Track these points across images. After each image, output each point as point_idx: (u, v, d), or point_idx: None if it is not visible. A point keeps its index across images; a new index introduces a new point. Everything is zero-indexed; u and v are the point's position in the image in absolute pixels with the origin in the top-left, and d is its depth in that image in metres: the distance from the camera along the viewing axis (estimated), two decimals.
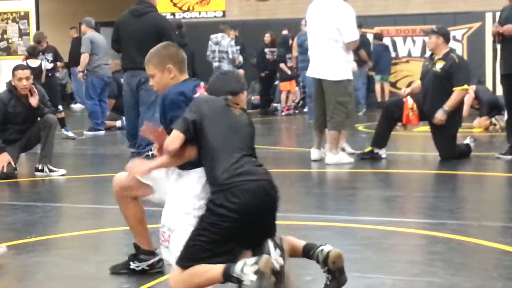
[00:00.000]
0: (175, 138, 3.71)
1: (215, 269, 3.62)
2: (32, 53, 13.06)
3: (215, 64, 15.09)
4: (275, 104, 17.51)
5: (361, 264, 4.47)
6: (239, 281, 3.52)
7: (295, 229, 5.50)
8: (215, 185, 3.68)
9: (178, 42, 9.72)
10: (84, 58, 13.13)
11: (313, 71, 9.07)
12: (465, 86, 8.75)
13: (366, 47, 16.51)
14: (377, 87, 17.41)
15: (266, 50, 17.38)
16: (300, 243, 3.99)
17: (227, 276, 3.56)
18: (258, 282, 3.45)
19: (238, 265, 3.52)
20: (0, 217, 6.37)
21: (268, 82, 17.82)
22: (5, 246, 4.81)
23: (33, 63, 12.58)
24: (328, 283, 3.85)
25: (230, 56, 14.90)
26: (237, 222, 3.63)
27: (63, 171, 8.28)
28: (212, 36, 14.94)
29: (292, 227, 5.57)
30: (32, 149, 8.73)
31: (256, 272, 3.47)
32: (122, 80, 10.63)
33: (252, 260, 3.51)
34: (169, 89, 3.97)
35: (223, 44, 14.88)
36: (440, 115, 8.66)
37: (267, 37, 17.39)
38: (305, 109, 15.94)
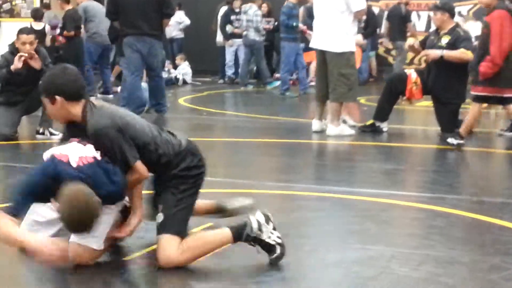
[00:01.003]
0: (140, 167, 3.84)
1: (223, 232, 3.85)
2: (35, 15, 13.01)
3: (244, 33, 15.48)
4: (277, 75, 17.44)
5: (360, 235, 4.48)
6: (256, 240, 3.79)
7: (294, 199, 5.53)
8: (176, 157, 3.91)
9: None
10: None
11: (316, 42, 9.03)
12: (469, 53, 8.62)
13: (373, 20, 16.43)
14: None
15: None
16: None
17: (241, 237, 3.81)
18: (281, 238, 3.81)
19: (253, 226, 3.80)
20: (0, 179, 6.39)
21: (266, 52, 17.70)
22: None
23: (37, 25, 12.54)
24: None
25: (255, 25, 15.07)
26: (203, 175, 4.05)
27: None
28: (243, 6, 15.32)
29: (292, 197, 5.59)
30: (34, 112, 8.71)
31: (274, 229, 3.84)
32: None
33: (262, 218, 3.83)
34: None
35: (250, 13, 15.17)
36: (434, 52, 8.61)
37: (263, 7, 17.32)
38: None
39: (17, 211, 3.66)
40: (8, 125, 8.24)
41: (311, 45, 9.40)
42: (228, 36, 16.68)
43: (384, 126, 9.02)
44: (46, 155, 3.85)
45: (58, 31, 13.62)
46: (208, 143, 8.59)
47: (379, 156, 7.94)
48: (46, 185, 3.65)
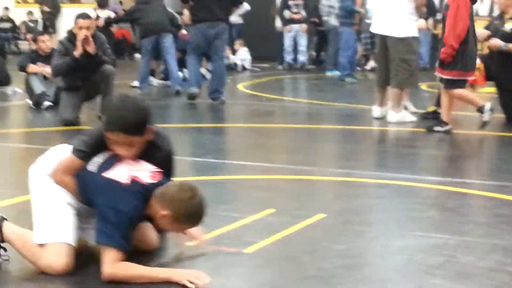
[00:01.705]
0: None
1: None
2: (100, 2, 13.25)
3: (324, 18, 15.52)
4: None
5: (423, 223, 4.40)
6: None
7: (355, 186, 5.46)
8: None
9: None
10: None
11: (377, 27, 8.91)
12: None
13: (431, 4, 16.19)
14: None
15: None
16: None
17: None
18: None
19: None
20: None
21: (325, 39, 17.56)
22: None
23: (102, 13, 12.78)
24: None
25: (336, 11, 15.06)
26: None
27: None
28: None
29: (353, 184, 5.53)
30: (94, 98, 8.77)
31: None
32: None
33: None
34: None
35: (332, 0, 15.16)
36: (495, 42, 8.42)
37: None
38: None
39: (128, 249, 3.42)
40: (71, 110, 8.34)
41: (371, 30, 9.29)
42: (286, 22, 16.61)
43: None
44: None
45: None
46: (268, 129, 8.57)
47: (442, 143, 7.80)
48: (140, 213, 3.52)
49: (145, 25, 11.71)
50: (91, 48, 8.06)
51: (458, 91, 7.86)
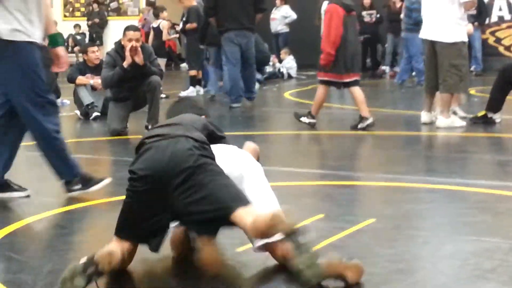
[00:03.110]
0: None
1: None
2: (154, 12, 13.59)
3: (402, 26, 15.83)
4: (383, 67, 17.23)
5: (475, 227, 4.32)
6: None
7: (404, 191, 5.40)
8: None
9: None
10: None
11: (426, 33, 8.82)
12: None
13: (485, 8, 16.00)
14: None
15: (364, 13, 17.05)
16: None
17: None
18: None
19: None
20: (111, 172, 6.50)
21: (369, 46, 17.46)
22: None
23: (155, 23, 13.06)
24: None
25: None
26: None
27: None
28: None
29: (402, 189, 5.47)
30: (141, 108, 8.83)
31: None
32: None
33: None
34: None
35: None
36: None
37: (366, 0, 17.12)
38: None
39: None
40: (118, 120, 8.41)
41: (420, 35, 9.18)
42: None
43: (497, 117, 8.74)
44: None
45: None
46: (315, 136, 8.53)
47: (492, 147, 7.69)
48: None
49: (209, 35, 11.96)
50: (139, 59, 8.13)
51: (356, 91, 8.49)
